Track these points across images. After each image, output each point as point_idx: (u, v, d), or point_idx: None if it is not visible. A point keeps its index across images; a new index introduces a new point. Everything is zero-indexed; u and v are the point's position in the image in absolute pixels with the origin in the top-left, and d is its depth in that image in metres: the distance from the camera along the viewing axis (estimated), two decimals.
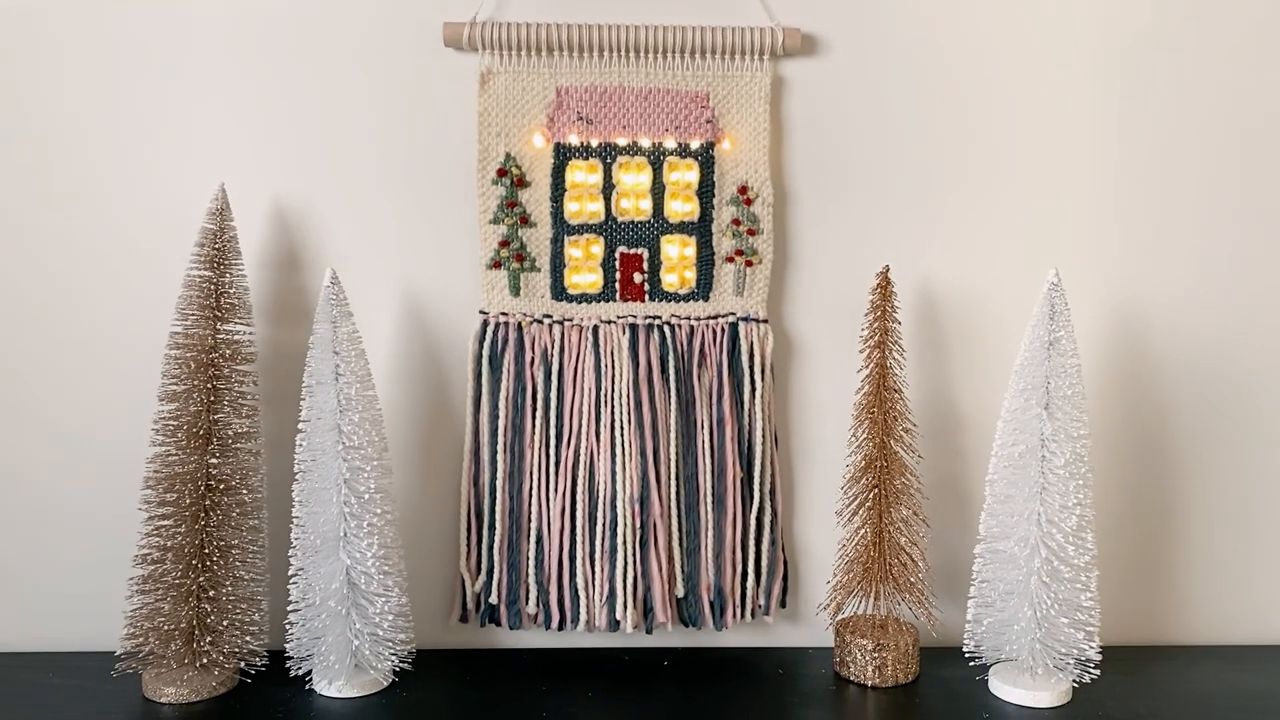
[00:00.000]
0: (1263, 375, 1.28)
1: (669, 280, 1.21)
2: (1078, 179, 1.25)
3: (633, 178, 1.20)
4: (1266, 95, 1.25)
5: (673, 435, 1.19)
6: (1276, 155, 1.26)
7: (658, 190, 1.20)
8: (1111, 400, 1.28)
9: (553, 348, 1.20)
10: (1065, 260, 1.24)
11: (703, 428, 1.20)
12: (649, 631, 1.20)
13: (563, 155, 1.19)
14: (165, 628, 1.09)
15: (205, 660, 1.10)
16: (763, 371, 1.21)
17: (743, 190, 1.20)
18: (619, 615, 1.17)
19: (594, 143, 1.19)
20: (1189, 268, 1.27)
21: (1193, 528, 1.30)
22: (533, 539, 1.19)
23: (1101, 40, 1.24)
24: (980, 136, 1.24)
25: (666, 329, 1.20)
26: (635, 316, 1.21)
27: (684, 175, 1.20)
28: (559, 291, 1.20)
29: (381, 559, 1.08)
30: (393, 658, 1.11)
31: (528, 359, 1.20)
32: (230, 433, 1.11)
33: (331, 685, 1.09)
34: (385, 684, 1.12)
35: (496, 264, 1.20)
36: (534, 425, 1.20)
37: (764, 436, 1.21)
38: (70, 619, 1.23)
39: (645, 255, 1.20)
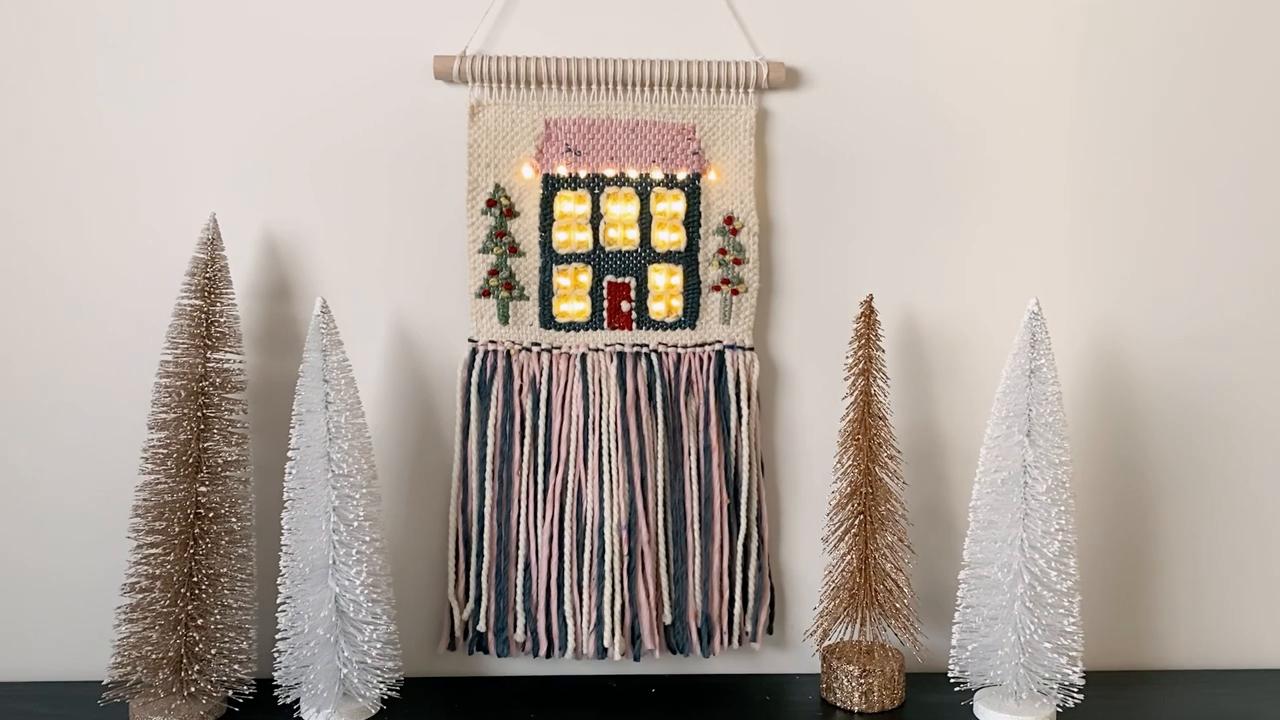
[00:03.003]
0: (1242, 401, 1.30)
1: (656, 309, 1.22)
2: (1058, 208, 1.27)
3: (620, 208, 1.21)
4: (1247, 124, 1.27)
5: (660, 462, 1.20)
6: (1257, 183, 1.28)
7: (645, 220, 1.21)
8: (1092, 427, 1.29)
9: (541, 375, 1.21)
10: (1046, 289, 1.26)
11: (690, 455, 1.21)
12: (637, 659, 1.20)
13: (551, 186, 1.21)
14: (153, 656, 1.08)
15: (193, 689, 1.09)
16: (749, 399, 1.22)
17: (729, 220, 1.22)
18: (607, 642, 1.17)
19: (582, 174, 1.21)
20: (1167, 295, 1.28)
21: (1174, 552, 1.31)
22: (521, 566, 1.20)
23: (1082, 71, 1.26)
24: (961, 167, 1.26)
25: (654, 357, 1.22)
26: (623, 344, 1.22)
27: (671, 205, 1.21)
28: (547, 320, 1.21)
29: (370, 587, 1.08)
30: (381, 686, 1.11)
31: (516, 387, 1.21)
32: (220, 461, 1.12)
33: (320, 713, 1.09)
34: (373, 712, 1.12)
35: (485, 293, 1.21)
36: (522, 452, 1.20)
37: (750, 463, 1.22)
38: (56, 648, 1.23)
39: (633, 284, 1.22)
